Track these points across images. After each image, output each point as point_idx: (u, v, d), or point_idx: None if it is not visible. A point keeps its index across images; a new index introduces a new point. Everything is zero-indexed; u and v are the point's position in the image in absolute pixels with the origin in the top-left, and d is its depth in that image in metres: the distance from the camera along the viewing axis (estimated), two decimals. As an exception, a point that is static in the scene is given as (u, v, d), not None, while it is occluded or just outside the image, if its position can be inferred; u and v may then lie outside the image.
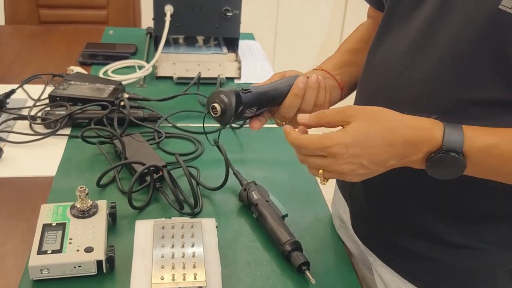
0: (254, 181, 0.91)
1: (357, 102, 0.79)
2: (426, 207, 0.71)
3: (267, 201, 0.87)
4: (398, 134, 0.60)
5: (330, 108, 0.74)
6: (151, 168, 0.91)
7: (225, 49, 1.49)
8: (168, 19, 1.38)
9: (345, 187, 0.89)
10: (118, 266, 0.76)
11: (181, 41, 1.53)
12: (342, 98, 0.85)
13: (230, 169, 0.95)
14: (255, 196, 0.88)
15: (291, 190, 0.97)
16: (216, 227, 0.85)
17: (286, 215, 0.85)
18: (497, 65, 0.59)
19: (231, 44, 1.50)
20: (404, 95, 0.67)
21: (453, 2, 0.62)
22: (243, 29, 1.56)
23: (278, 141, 1.14)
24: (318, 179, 1.00)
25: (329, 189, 0.99)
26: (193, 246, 0.76)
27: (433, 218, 0.71)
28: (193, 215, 0.88)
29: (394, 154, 0.61)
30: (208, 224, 0.82)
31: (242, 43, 1.63)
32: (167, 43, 1.48)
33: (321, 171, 0.64)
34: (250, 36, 1.78)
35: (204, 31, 1.46)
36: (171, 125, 1.16)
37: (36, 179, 0.96)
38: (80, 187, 0.81)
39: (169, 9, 1.39)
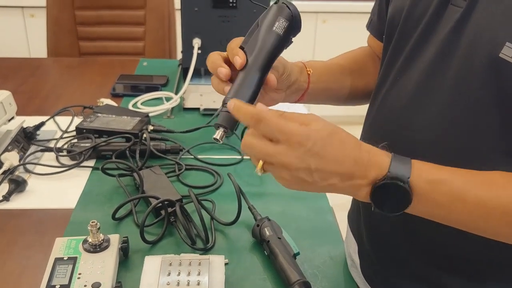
0: (267, 217, 0.90)
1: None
2: (426, 256, 0.69)
3: (279, 238, 0.85)
4: (351, 151, 0.57)
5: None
6: (165, 202, 0.91)
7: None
8: (195, 51, 1.41)
9: (353, 227, 0.86)
10: (125, 302, 0.77)
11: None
12: (298, 98, 0.80)
13: (245, 203, 0.94)
14: (267, 233, 0.86)
15: (307, 225, 0.95)
16: (226, 263, 0.84)
17: (298, 253, 0.83)
18: (500, 113, 0.57)
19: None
20: (409, 140, 0.65)
21: (453, 47, 0.60)
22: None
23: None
24: (331, 210, 0.99)
25: (345, 224, 0.97)
26: (198, 284, 0.75)
27: (435, 267, 0.68)
28: (205, 250, 0.88)
29: (341, 171, 0.57)
30: (216, 261, 0.81)
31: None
32: (198, 75, 1.50)
33: (261, 162, 0.58)
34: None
35: (231, 63, 1.47)
36: (193, 157, 1.17)
37: (57, 211, 0.98)
38: (92, 222, 0.82)
39: (196, 42, 1.41)
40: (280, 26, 0.67)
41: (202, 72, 1.52)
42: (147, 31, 2.01)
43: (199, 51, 1.43)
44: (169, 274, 0.77)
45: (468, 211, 0.56)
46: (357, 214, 0.83)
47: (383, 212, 0.58)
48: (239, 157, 1.18)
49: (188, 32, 1.42)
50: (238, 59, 0.64)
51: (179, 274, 0.77)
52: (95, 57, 1.96)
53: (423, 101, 0.64)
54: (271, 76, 0.67)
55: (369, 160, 0.57)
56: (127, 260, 0.85)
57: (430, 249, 0.68)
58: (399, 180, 0.56)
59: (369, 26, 0.85)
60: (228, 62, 0.69)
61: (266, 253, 0.85)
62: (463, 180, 0.57)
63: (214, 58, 0.68)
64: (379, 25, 0.81)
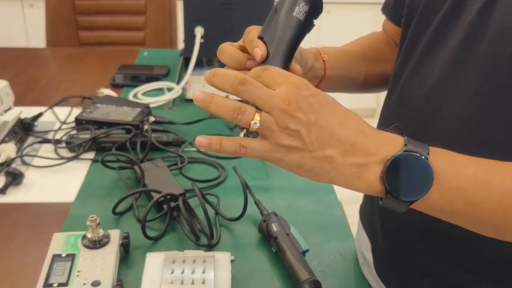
0: (274, 212, 0.86)
1: None
2: (444, 253, 0.65)
3: (287, 234, 0.82)
4: (358, 121, 0.50)
5: None
6: (168, 197, 0.87)
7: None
8: (198, 40, 1.36)
9: (366, 223, 0.82)
10: (126, 301, 0.73)
11: (215, 62, 1.51)
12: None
13: (251, 198, 0.91)
14: (274, 229, 0.83)
15: (315, 220, 0.92)
16: (232, 261, 0.80)
17: (307, 251, 0.80)
18: None
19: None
20: (433, 132, 0.60)
21: (482, 30, 0.56)
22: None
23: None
24: (340, 204, 0.95)
25: (354, 220, 0.93)
26: (203, 283, 0.71)
27: (457, 266, 0.64)
28: (210, 247, 0.84)
29: (344, 138, 0.49)
30: (222, 258, 0.77)
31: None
32: (200, 65, 1.46)
33: (257, 116, 0.50)
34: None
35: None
36: (195, 149, 1.13)
37: (55, 205, 0.94)
38: (91, 217, 0.78)
39: (199, 31, 1.37)
40: (300, 10, 0.61)
41: (204, 62, 1.48)
42: (148, 21, 1.97)
43: (202, 40, 1.39)
44: (172, 272, 0.73)
45: (494, 201, 0.48)
46: (370, 207, 0.79)
47: (397, 200, 0.50)
48: (244, 149, 1.13)
49: (190, 21, 1.37)
50: (259, 51, 0.57)
51: (183, 272, 0.73)
52: (94, 47, 1.92)
53: (449, 89, 0.59)
54: (295, 66, 0.61)
55: (377, 135, 0.51)
56: (128, 257, 0.82)
57: (452, 246, 0.64)
58: (418, 153, 0.49)
59: (385, 10, 0.81)
60: (244, 52, 0.62)
61: (274, 250, 0.82)
62: (487, 166, 0.50)
63: (231, 51, 0.61)
64: (395, 8, 0.77)
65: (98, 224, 0.78)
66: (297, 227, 0.84)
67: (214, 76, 0.52)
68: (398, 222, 0.68)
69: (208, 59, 1.48)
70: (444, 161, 0.50)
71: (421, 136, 0.54)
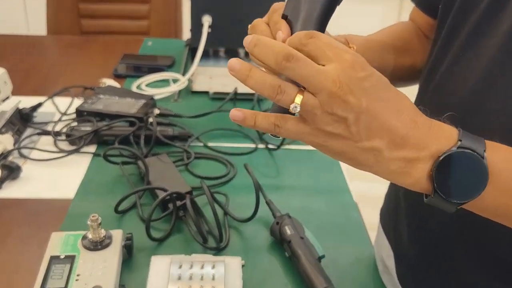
0: (288, 214, 0.81)
1: None
2: (482, 261, 0.59)
3: (302, 238, 0.76)
4: (411, 109, 0.45)
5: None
6: (174, 195, 0.82)
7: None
8: (205, 30, 1.31)
9: (388, 227, 0.77)
10: (129, 308, 0.68)
11: (221, 53, 1.45)
12: None
13: (262, 198, 0.85)
14: (288, 232, 0.77)
15: (331, 222, 0.86)
16: (243, 266, 0.75)
17: (323, 256, 0.74)
18: None
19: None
20: (479, 127, 0.54)
21: None
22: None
23: (318, 165, 1.03)
24: (356, 205, 0.90)
25: (372, 221, 0.88)
26: (213, 290, 0.66)
27: (490, 275, 0.58)
28: (218, 250, 0.79)
29: (396, 128, 0.44)
30: (232, 264, 0.72)
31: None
32: (206, 56, 1.40)
33: (299, 97, 0.44)
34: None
35: (235, 42, 1.36)
36: (202, 144, 1.07)
37: (54, 201, 0.89)
38: (93, 216, 0.72)
39: (207, 20, 1.31)
40: None
41: (211, 53, 1.42)
42: (152, 10, 1.90)
43: (209, 30, 1.33)
44: (179, 278, 0.68)
45: None
46: (394, 210, 0.73)
47: (445, 201, 0.45)
48: (253, 145, 1.08)
49: (198, 9, 1.32)
50: (281, 35, 0.50)
51: (191, 278, 0.68)
52: (97, 35, 1.85)
53: (498, 81, 0.53)
54: None
55: (431, 127, 0.45)
56: (131, 259, 0.77)
57: (488, 254, 0.58)
58: (474, 151, 0.44)
59: None
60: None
61: (287, 255, 0.77)
62: None
63: (263, 30, 0.53)
64: None
65: (100, 224, 0.73)
66: (311, 230, 0.79)
67: (255, 45, 0.44)
68: (430, 229, 0.63)
69: (214, 50, 1.42)
70: (501, 159, 0.45)
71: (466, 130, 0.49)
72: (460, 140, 0.44)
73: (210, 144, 1.07)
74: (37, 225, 0.83)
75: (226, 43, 1.39)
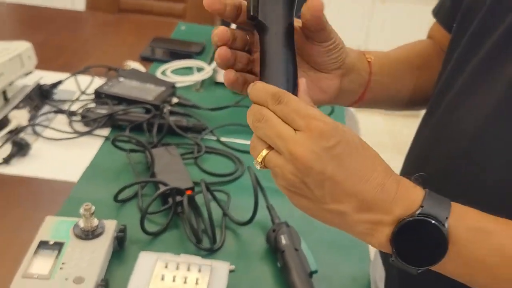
0: (286, 222, 0.78)
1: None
2: None
3: (297, 250, 0.73)
4: (380, 173, 0.44)
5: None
6: (174, 190, 0.80)
7: (294, 59, 1.36)
8: (235, 20, 1.28)
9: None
10: (110, 302, 0.67)
11: None
12: (359, 97, 0.62)
13: (265, 201, 0.83)
14: (283, 241, 0.75)
15: (331, 237, 0.83)
16: (232, 271, 0.73)
17: (316, 271, 0.71)
18: None
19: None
20: (479, 178, 0.50)
21: None
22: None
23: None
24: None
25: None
26: (194, 296, 0.65)
27: None
28: (211, 251, 0.77)
29: (363, 194, 0.43)
30: (219, 269, 0.70)
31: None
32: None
33: (264, 151, 0.45)
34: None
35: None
36: (215, 138, 1.05)
37: (57, 183, 0.89)
38: (86, 205, 0.72)
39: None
40: None
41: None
42: (191, -7, 1.89)
43: (240, 21, 1.30)
44: (162, 279, 0.67)
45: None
46: None
47: (406, 264, 0.44)
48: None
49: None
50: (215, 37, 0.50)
51: (174, 280, 0.66)
52: (133, 14, 1.85)
53: (506, 116, 0.48)
54: (301, 81, 0.49)
55: (397, 191, 0.43)
56: (122, 251, 0.76)
57: None
58: (434, 219, 0.42)
59: (438, 12, 0.69)
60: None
61: (279, 265, 0.74)
62: None
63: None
64: (452, 11, 0.64)
65: (93, 213, 0.72)
66: (310, 242, 0.76)
67: (250, 93, 0.47)
68: None
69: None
70: (466, 229, 0.43)
71: (462, 175, 0.46)
72: (422, 206, 0.43)
73: (223, 139, 1.05)
74: (35, 206, 0.83)
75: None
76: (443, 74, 0.59)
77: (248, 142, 1.05)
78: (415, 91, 0.67)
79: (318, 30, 0.50)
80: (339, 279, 0.75)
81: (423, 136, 0.60)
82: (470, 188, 0.50)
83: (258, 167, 0.47)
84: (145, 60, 1.38)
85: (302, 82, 0.48)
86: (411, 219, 0.42)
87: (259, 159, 0.45)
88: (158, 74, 1.28)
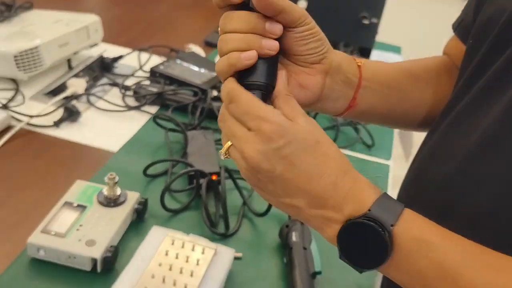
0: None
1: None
2: None
3: (305, 249, 0.73)
4: (333, 171, 0.44)
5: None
6: (198, 173, 0.83)
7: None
8: (298, 14, 1.28)
9: None
10: (118, 268, 0.70)
11: None
12: (348, 105, 0.58)
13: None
14: (293, 238, 0.75)
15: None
16: (239, 258, 0.74)
17: (319, 273, 0.71)
18: None
19: (364, 53, 1.35)
20: (460, 207, 0.48)
21: None
22: (394, 40, 1.38)
23: (368, 175, 0.97)
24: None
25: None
26: (191, 275, 0.67)
27: None
28: (224, 237, 0.79)
29: (312, 193, 0.44)
30: (223, 254, 0.71)
31: (381, 56, 1.46)
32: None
33: (229, 143, 0.46)
34: (396, 50, 1.59)
35: (335, 34, 1.32)
36: (256, 128, 1.06)
37: (98, 150, 0.94)
38: (110, 174, 0.76)
39: (302, 3, 1.28)
40: None
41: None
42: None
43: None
44: (166, 254, 0.69)
45: None
46: None
47: (350, 264, 0.44)
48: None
49: (295, -8, 1.29)
50: None
51: (176, 257, 0.69)
52: (199, 5, 1.90)
53: (493, 154, 0.46)
54: (281, 73, 0.49)
55: (350, 190, 0.44)
56: (140, 223, 0.79)
57: None
58: (379, 225, 0.42)
59: (458, 27, 0.64)
60: None
61: (285, 261, 0.74)
62: (461, 254, 0.41)
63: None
64: (472, 27, 0.59)
65: (116, 183, 0.76)
66: (321, 244, 0.76)
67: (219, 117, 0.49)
68: None
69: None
70: (410, 238, 0.42)
71: (446, 201, 0.46)
72: (369, 210, 0.43)
73: (263, 130, 1.06)
74: (73, 169, 0.89)
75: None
76: (452, 93, 0.56)
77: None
78: (420, 103, 0.63)
79: (276, 13, 0.46)
80: (343, 284, 0.74)
81: (424, 149, 0.58)
82: (461, 207, 0.48)
83: (222, 157, 0.48)
84: (208, 45, 1.42)
85: (281, 74, 0.48)
86: (356, 221, 0.43)
87: (223, 150, 0.47)
88: (216, 59, 1.31)
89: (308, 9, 1.29)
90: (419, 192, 0.54)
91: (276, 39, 0.47)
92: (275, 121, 0.43)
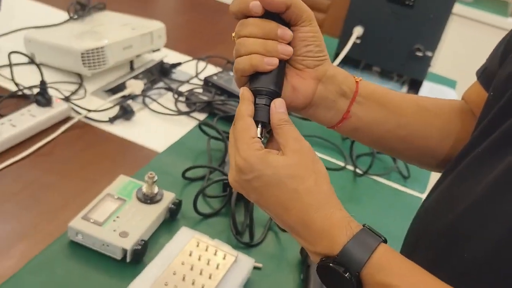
0: (323, 240, 0.81)
1: (402, 250, 0.61)
2: None
3: (322, 268, 0.76)
4: (302, 206, 0.48)
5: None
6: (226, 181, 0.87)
7: (404, 88, 1.36)
8: (353, 39, 1.31)
9: None
10: (146, 261, 0.76)
11: (375, 69, 1.41)
12: (342, 117, 0.59)
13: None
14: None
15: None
16: (259, 268, 0.78)
17: (332, 293, 0.74)
18: None
19: (414, 85, 1.36)
20: (456, 261, 0.49)
21: None
22: (450, 73, 1.38)
23: (397, 209, 0.99)
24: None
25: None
26: (210, 277, 0.71)
27: None
28: (248, 246, 0.83)
29: (284, 220, 0.49)
30: (243, 262, 0.75)
31: (434, 88, 1.46)
32: (356, 66, 1.41)
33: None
34: (451, 84, 1.58)
35: (387, 64, 1.34)
36: (296, 146, 1.10)
37: (144, 149, 1.01)
38: (150, 173, 0.82)
39: (357, 31, 1.31)
40: None
41: (362, 66, 1.42)
42: (333, 5, 1.94)
43: (358, 41, 1.33)
44: (190, 255, 0.74)
45: None
46: None
47: None
48: (342, 164, 1.08)
49: (352, 18, 1.32)
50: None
51: (199, 259, 0.74)
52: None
53: (491, 212, 0.47)
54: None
55: (322, 228, 0.47)
56: (173, 222, 0.85)
57: None
58: (346, 270, 0.45)
59: (482, 74, 0.64)
60: None
61: (301, 277, 0.78)
62: None
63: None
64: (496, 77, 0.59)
65: (155, 181, 0.82)
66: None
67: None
68: None
69: (366, 65, 1.41)
70: (374, 283, 0.45)
71: (442, 252, 0.49)
72: (338, 256, 0.46)
73: (303, 148, 1.09)
74: (119, 164, 0.96)
75: (368, 58, 1.38)
76: (469, 140, 0.57)
77: (323, 157, 1.09)
78: (427, 139, 0.63)
79: (282, 10, 0.51)
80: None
81: (435, 192, 0.59)
82: (453, 260, 0.50)
83: None
84: (264, 59, 1.46)
85: (280, 104, 0.51)
86: (326, 263, 0.46)
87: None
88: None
89: (363, 36, 1.31)
90: (424, 233, 0.56)
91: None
92: (245, 157, 0.48)
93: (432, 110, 0.64)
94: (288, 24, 0.53)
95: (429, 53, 1.26)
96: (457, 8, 1.70)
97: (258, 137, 0.52)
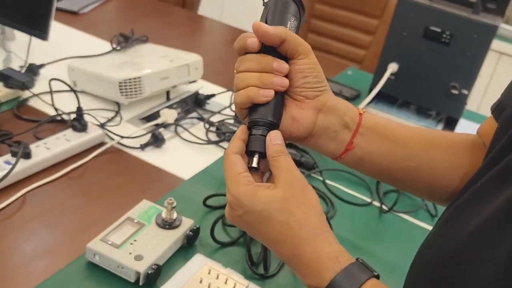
0: (337, 275, 0.80)
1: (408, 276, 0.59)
2: None
3: (333, 304, 0.75)
4: (293, 240, 0.49)
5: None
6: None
7: (440, 126, 1.33)
8: (387, 75, 1.31)
9: None
10: (158, 285, 0.77)
11: (412, 107, 1.40)
12: (345, 149, 0.59)
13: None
14: (324, 291, 0.77)
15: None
16: (269, 300, 0.78)
17: (341, 330, 0.72)
18: None
19: (451, 123, 1.33)
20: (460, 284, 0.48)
21: None
22: (487, 111, 1.35)
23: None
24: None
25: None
26: (217, 306, 0.71)
27: None
28: (261, 277, 0.83)
29: (282, 256, 0.52)
30: (253, 293, 0.75)
31: (470, 126, 1.43)
32: (392, 103, 1.40)
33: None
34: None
35: (421, 101, 1.33)
36: (321, 179, 1.10)
37: (170, 175, 1.03)
38: (170, 199, 0.84)
39: (392, 67, 1.31)
40: (292, 26, 0.57)
41: (398, 103, 1.41)
42: (374, 42, 1.94)
43: (393, 77, 1.32)
44: (200, 281, 0.75)
45: None
46: None
47: None
48: (369, 200, 1.06)
49: (388, 54, 1.32)
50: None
51: (209, 286, 0.74)
52: (315, 52, 1.98)
53: (484, 249, 0.45)
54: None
55: (311, 261, 0.48)
56: (189, 249, 0.86)
57: None
58: None
59: (496, 108, 0.63)
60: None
61: (312, 311, 0.76)
62: None
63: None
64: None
65: (174, 207, 0.84)
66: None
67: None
68: None
69: (403, 101, 1.40)
70: None
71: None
72: None
73: (328, 181, 1.09)
74: (146, 188, 0.99)
75: (403, 95, 1.36)
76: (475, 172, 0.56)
77: (349, 191, 1.08)
78: (434, 170, 0.62)
79: (277, 44, 0.53)
80: None
81: (439, 221, 0.58)
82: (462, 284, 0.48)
83: None
84: (299, 93, 1.48)
85: (276, 136, 0.53)
86: None
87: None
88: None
89: (398, 73, 1.31)
90: (426, 264, 0.54)
91: None
92: (233, 194, 0.51)
93: (440, 143, 0.63)
94: (285, 58, 0.54)
95: (465, 91, 1.24)
96: (496, 44, 1.68)
97: (255, 167, 0.53)
